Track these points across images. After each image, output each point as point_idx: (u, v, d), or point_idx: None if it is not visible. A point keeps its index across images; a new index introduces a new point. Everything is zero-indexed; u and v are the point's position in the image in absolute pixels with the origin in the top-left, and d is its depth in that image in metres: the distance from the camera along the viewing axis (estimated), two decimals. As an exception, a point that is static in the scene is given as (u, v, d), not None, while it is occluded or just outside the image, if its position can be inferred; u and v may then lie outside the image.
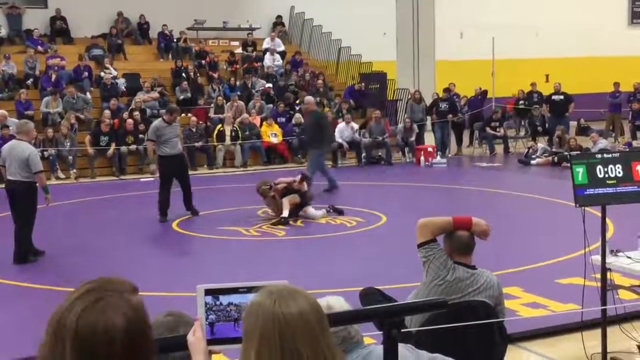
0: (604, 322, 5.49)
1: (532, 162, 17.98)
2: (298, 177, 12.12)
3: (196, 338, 2.10)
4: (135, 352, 1.61)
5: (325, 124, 14.85)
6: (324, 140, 14.59)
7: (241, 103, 19.96)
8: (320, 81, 21.85)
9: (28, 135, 9.45)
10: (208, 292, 2.11)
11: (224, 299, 2.11)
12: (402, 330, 2.76)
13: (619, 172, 5.36)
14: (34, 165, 9.00)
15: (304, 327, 1.80)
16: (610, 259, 5.59)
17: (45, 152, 17.18)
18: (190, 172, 17.68)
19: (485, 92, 22.25)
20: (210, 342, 2.11)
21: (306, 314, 1.82)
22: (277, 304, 1.82)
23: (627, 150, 16.15)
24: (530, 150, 18.65)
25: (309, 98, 15.58)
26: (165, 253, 9.76)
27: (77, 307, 1.60)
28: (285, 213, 11.45)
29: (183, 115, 19.94)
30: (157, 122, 12.29)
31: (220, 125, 19.05)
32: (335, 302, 2.99)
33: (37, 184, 9.21)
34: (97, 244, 10.43)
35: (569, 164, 5.56)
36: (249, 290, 2.06)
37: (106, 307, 1.60)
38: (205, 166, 18.57)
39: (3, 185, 9.78)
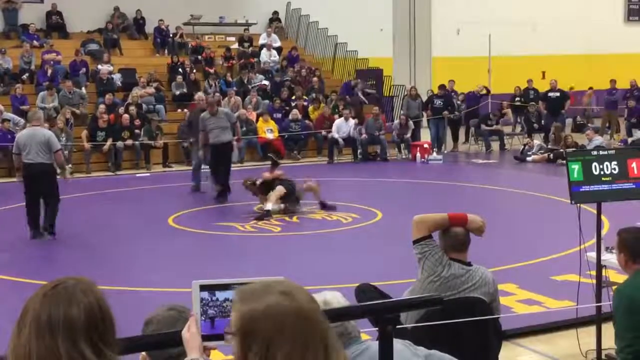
0: (598, 318, 5.50)
1: (528, 159, 18.00)
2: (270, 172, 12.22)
3: (191, 334, 2.09)
4: (94, 329, 1.77)
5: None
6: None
7: (238, 98, 19.92)
8: (315, 78, 21.82)
9: (40, 122, 10.46)
10: (203, 287, 2.11)
11: (220, 295, 2.11)
12: (397, 327, 2.76)
13: (615, 169, 5.37)
14: (54, 145, 10.00)
15: (314, 324, 1.76)
16: (605, 256, 5.61)
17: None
18: (189, 167, 17.81)
19: (488, 92, 22.25)
20: (208, 337, 2.10)
21: (312, 309, 1.79)
22: (291, 302, 1.76)
23: (623, 147, 16.19)
24: (526, 147, 18.67)
25: (200, 94, 15.50)
26: (161, 248, 9.74)
27: (39, 293, 1.80)
28: (269, 206, 11.49)
29: (179, 110, 19.99)
30: (203, 114, 13.06)
31: (216, 121, 19.00)
32: (333, 297, 2.99)
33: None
34: (91, 239, 10.42)
35: (564, 161, 5.58)
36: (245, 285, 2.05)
37: (66, 290, 1.79)
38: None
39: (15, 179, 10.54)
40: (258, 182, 11.96)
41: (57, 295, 1.78)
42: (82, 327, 1.75)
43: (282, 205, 11.71)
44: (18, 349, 1.74)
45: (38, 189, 10.14)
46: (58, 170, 10.31)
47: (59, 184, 10.32)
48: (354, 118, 19.27)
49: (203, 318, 2.11)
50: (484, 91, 22.21)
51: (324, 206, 11.89)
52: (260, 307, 1.75)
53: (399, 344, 2.90)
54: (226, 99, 19.89)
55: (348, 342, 2.95)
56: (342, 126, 18.83)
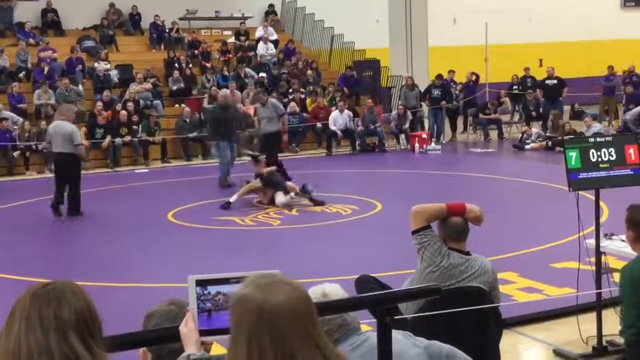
0: (599, 305, 5.51)
1: (527, 147, 18.00)
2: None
3: (188, 329, 2.10)
4: (85, 327, 1.77)
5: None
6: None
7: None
8: (310, 71, 21.77)
9: (67, 116, 11.62)
10: (199, 282, 2.11)
11: (212, 288, 2.10)
12: (396, 317, 2.76)
13: (612, 156, 5.37)
14: (75, 139, 11.23)
15: (293, 315, 1.77)
16: (604, 243, 5.61)
17: (38, 146, 17.11)
18: (187, 163, 17.89)
19: (477, 78, 22.23)
20: (205, 332, 2.10)
21: (295, 301, 1.79)
22: (262, 295, 1.78)
23: (621, 133, 16.16)
24: (525, 135, 18.66)
25: (225, 91, 15.50)
26: (160, 244, 9.74)
27: (28, 293, 1.81)
28: (233, 198, 11.79)
29: (176, 105, 19.96)
30: (256, 104, 14.03)
31: (214, 116, 18.99)
32: (331, 289, 2.99)
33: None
34: (90, 235, 10.43)
35: (562, 148, 5.58)
36: (240, 280, 2.05)
37: (55, 291, 1.79)
38: (200, 156, 18.53)
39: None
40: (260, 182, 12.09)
41: (47, 294, 1.78)
42: (72, 325, 1.75)
43: (292, 194, 11.79)
44: (6, 344, 1.73)
45: (62, 176, 11.38)
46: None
47: (80, 173, 11.54)
48: (349, 109, 19.28)
49: (205, 313, 2.11)
50: (474, 77, 22.14)
51: (313, 202, 11.86)
52: (237, 294, 1.83)
53: (398, 335, 2.91)
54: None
55: (347, 333, 2.95)
56: (338, 118, 18.82)
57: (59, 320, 1.75)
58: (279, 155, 13.96)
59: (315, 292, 2.95)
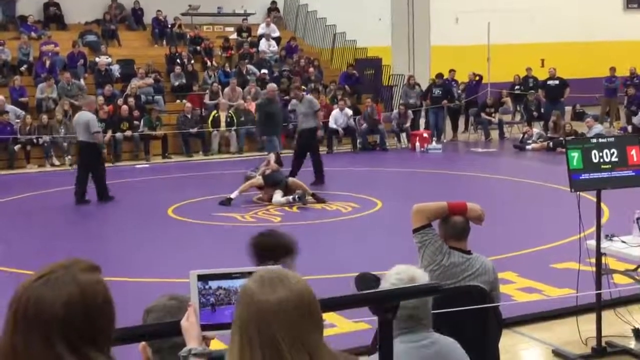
0: (598, 306, 5.51)
1: (528, 147, 17.99)
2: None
3: (190, 323, 2.09)
4: (71, 325, 1.59)
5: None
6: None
7: (239, 89, 19.90)
8: (311, 69, 21.75)
9: (89, 106, 12.42)
10: (201, 277, 2.10)
11: (213, 283, 2.10)
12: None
13: (614, 157, 5.36)
14: (92, 127, 11.83)
15: (282, 316, 1.71)
16: (605, 244, 5.61)
17: (39, 139, 17.12)
18: (188, 158, 17.89)
19: (480, 78, 22.21)
20: (207, 327, 2.10)
21: (285, 302, 1.72)
22: (258, 291, 1.74)
23: (622, 134, 16.16)
24: (526, 136, 18.65)
25: (272, 85, 15.52)
26: (160, 239, 9.73)
27: (22, 284, 1.64)
28: (233, 194, 11.78)
29: (178, 101, 19.96)
30: (293, 101, 14.45)
31: (215, 112, 19.00)
32: (419, 274, 3.04)
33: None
34: (91, 230, 10.43)
35: (564, 149, 5.57)
36: (242, 275, 2.04)
37: (47, 281, 1.62)
38: (201, 152, 18.54)
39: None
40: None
41: (37, 287, 1.62)
42: (57, 322, 1.59)
43: (290, 198, 11.77)
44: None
45: (83, 163, 12.14)
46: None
47: (99, 159, 12.21)
48: (349, 107, 19.27)
49: (207, 308, 2.10)
50: (477, 78, 22.13)
51: (315, 198, 11.89)
52: (240, 287, 1.83)
53: (456, 346, 3.12)
54: (228, 88, 19.80)
55: (415, 328, 3.06)
56: (338, 117, 18.82)
57: (41, 318, 1.58)
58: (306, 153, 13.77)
59: (401, 277, 2.99)
